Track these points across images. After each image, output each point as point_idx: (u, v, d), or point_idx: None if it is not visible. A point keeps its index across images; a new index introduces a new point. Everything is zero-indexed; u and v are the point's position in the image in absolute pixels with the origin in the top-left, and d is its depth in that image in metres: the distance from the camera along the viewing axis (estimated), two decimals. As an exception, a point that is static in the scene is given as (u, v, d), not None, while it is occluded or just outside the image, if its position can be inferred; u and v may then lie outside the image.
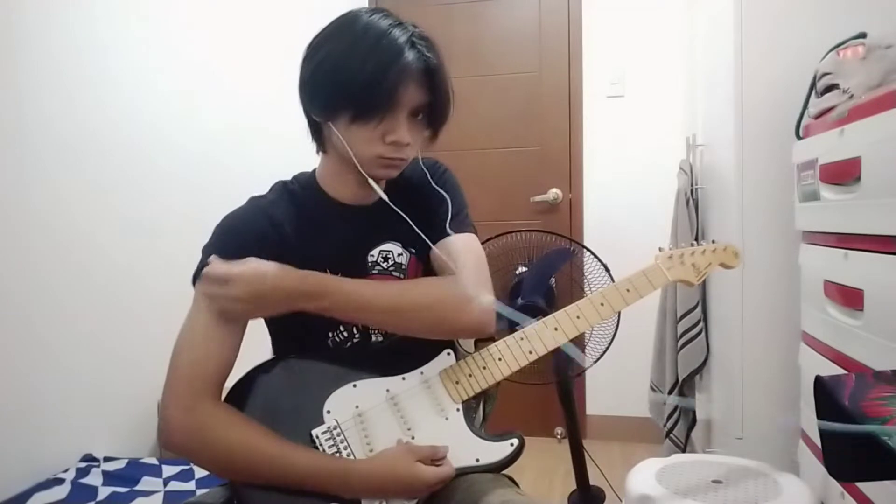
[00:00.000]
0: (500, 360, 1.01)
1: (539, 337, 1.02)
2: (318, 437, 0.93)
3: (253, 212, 1.01)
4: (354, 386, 0.97)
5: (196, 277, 0.96)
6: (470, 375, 1.00)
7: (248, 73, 2.33)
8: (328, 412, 0.95)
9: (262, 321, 1.02)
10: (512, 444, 0.98)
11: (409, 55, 0.91)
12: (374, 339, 1.02)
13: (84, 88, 1.63)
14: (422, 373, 0.99)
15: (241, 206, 1.03)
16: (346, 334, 1.01)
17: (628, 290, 1.08)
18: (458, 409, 0.98)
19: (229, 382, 0.96)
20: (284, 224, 1.00)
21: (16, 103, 1.45)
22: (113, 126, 1.72)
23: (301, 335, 1.00)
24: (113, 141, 1.72)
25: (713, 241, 1.19)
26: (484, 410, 1.13)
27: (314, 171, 1.08)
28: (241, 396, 0.95)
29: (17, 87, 1.46)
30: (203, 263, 0.95)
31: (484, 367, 1.00)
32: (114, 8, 1.73)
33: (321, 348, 1.01)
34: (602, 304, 1.06)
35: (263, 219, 1.00)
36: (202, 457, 0.92)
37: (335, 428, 0.94)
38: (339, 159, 0.99)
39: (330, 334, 1.01)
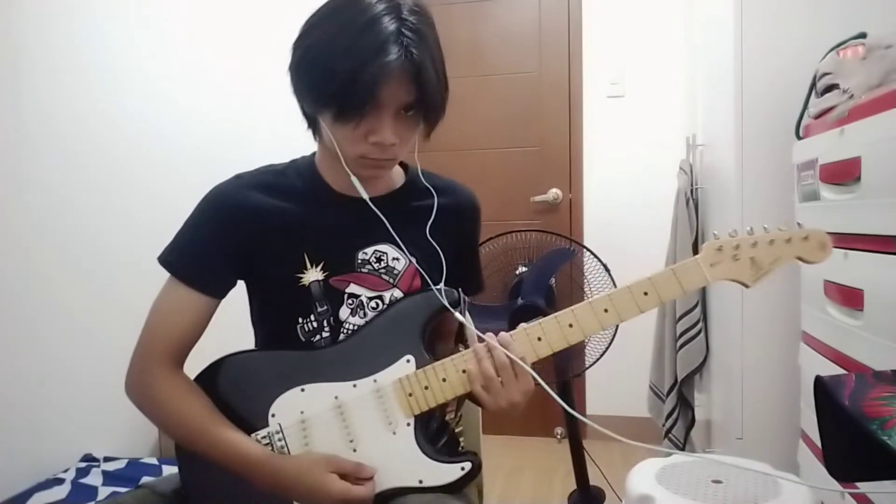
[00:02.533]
0: (462, 371, 0.91)
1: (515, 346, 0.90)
2: (257, 440, 0.91)
3: (239, 186, 0.99)
4: (303, 390, 0.92)
5: (172, 255, 0.97)
6: (426, 388, 0.91)
7: (249, 71, 2.33)
8: (273, 416, 0.92)
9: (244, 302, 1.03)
10: (462, 468, 0.90)
11: (392, 52, 0.84)
12: (343, 335, 0.98)
13: (84, 88, 1.63)
14: (375, 380, 0.92)
15: (226, 180, 1.00)
16: (315, 325, 0.97)
17: (646, 294, 0.89)
18: (408, 424, 0.91)
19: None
20: (272, 203, 0.98)
21: (16, 103, 1.45)
22: (113, 125, 1.72)
23: (274, 318, 1.01)
24: (113, 140, 1.72)
25: (799, 225, 0.90)
26: (456, 413, 1.09)
27: (313, 154, 1.06)
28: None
29: (17, 87, 1.46)
30: (181, 242, 0.97)
31: (444, 380, 0.91)
32: (114, 7, 1.73)
33: (289, 339, 0.98)
34: (606, 311, 0.90)
35: (250, 194, 0.98)
36: (148, 414, 0.96)
37: (277, 433, 0.91)
38: (331, 148, 0.97)
39: (300, 320, 0.97)
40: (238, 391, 0.94)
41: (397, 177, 1.08)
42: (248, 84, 2.33)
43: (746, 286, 0.91)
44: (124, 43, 1.77)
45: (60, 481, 1.43)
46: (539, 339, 0.91)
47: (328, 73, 0.86)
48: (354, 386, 0.93)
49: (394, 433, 0.91)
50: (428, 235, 1.01)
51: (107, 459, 1.58)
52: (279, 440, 0.91)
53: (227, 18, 2.25)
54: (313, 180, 1.02)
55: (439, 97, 0.92)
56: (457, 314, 0.95)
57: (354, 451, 0.91)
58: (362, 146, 0.91)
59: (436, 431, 1.01)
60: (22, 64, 1.47)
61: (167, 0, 1.95)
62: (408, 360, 0.93)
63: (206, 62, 2.12)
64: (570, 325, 0.91)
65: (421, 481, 0.90)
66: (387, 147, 0.91)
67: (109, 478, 1.51)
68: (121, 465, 1.57)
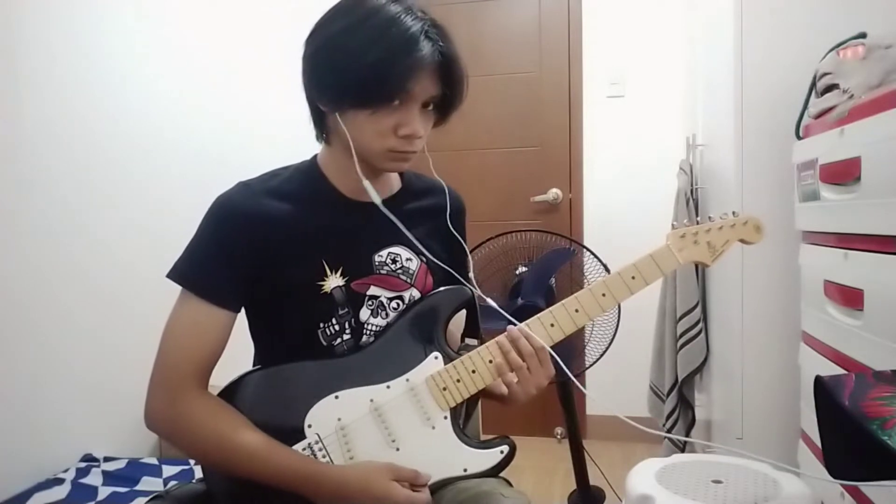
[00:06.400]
0: (490, 362, 0.95)
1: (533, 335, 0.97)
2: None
3: (248, 194, 0.95)
4: (336, 397, 0.93)
5: (186, 269, 0.93)
6: (458, 381, 0.95)
7: (249, 71, 2.33)
8: (309, 426, 0.91)
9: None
10: (502, 452, 0.95)
11: (424, 47, 0.88)
12: (365, 338, 0.98)
13: (84, 88, 1.63)
14: (407, 380, 0.94)
15: (231, 188, 0.97)
16: (337, 328, 0.96)
17: (633, 278, 0.98)
18: (445, 417, 0.94)
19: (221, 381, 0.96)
20: (283, 209, 0.95)
21: (16, 103, 1.45)
22: (113, 125, 1.72)
23: (291, 326, 0.97)
24: (113, 140, 1.72)
25: (733, 213, 1.05)
26: (466, 410, 1.10)
27: (314, 157, 1.04)
28: None
29: (17, 87, 1.46)
30: (194, 255, 0.93)
31: (473, 371, 0.95)
32: (114, 7, 1.73)
33: (310, 344, 0.96)
34: (604, 295, 0.98)
35: (261, 201, 0.95)
36: (182, 445, 0.93)
37: (317, 443, 0.91)
38: (344, 151, 0.95)
39: (321, 325, 0.96)
40: (268, 406, 0.92)
41: (395, 180, 1.08)
42: (248, 84, 2.33)
43: (707, 265, 1.04)
44: (124, 43, 1.77)
45: (60, 481, 1.43)
46: (552, 325, 0.97)
47: (355, 64, 0.87)
48: (388, 387, 0.94)
49: (433, 427, 0.94)
50: (451, 227, 1.07)
51: (107, 459, 1.58)
52: (320, 450, 0.91)
53: (228, 18, 2.25)
54: (320, 185, 1.00)
55: (463, 92, 0.97)
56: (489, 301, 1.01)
57: (397, 450, 0.92)
58: (391, 140, 0.92)
59: (463, 419, 1.03)
60: (22, 64, 1.47)
61: (167, 1, 1.95)
62: (435, 357, 0.96)
63: (207, 62, 2.12)
64: (577, 311, 0.98)
65: (465, 469, 0.94)
66: (415, 140, 0.93)
67: (109, 478, 1.51)
68: (121, 465, 1.57)
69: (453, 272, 1.04)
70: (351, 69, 0.87)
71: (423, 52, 0.87)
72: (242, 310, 0.98)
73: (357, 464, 0.91)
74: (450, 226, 1.08)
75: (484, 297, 1.03)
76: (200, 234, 0.95)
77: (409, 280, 1.02)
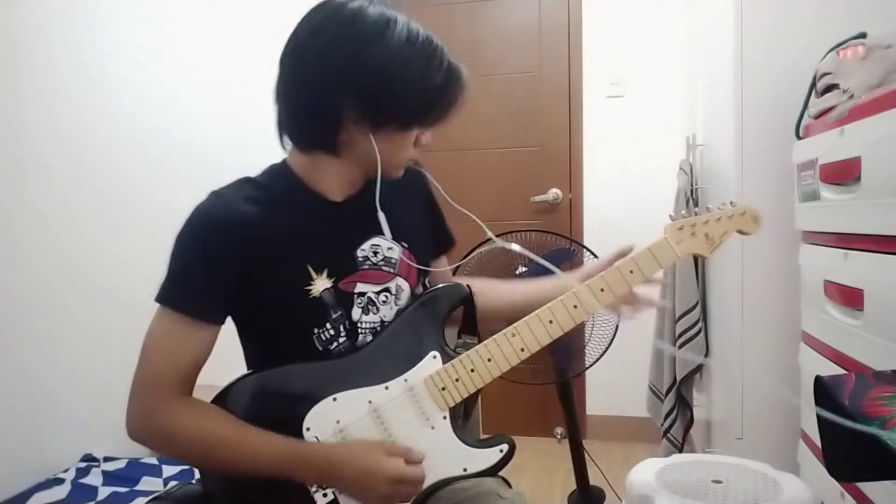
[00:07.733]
0: (489, 360, 0.95)
1: (531, 331, 0.96)
2: None
3: (224, 203, 0.93)
4: (335, 399, 0.92)
5: (172, 291, 0.90)
6: (457, 380, 0.95)
7: (250, 72, 2.33)
8: (308, 429, 0.91)
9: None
10: (501, 451, 0.95)
11: (460, 65, 0.97)
12: (360, 338, 0.97)
13: (84, 88, 1.63)
14: (406, 380, 0.94)
15: (205, 200, 0.94)
16: (332, 332, 0.96)
17: (632, 272, 0.99)
18: (444, 417, 0.94)
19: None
20: (261, 214, 0.94)
21: (16, 103, 1.45)
22: (114, 125, 1.72)
23: (284, 335, 0.96)
24: (113, 140, 1.72)
25: (731, 203, 1.03)
26: (466, 409, 1.09)
27: (283, 162, 1.02)
28: None
29: (17, 87, 1.46)
30: (178, 275, 0.91)
31: (472, 370, 0.95)
32: (114, 7, 1.73)
33: (306, 350, 0.95)
34: (602, 290, 0.99)
35: (238, 209, 0.93)
36: (165, 452, 0.94)
37: None
38: (348, 161, 0.96)
39: (316, 331, 0.95)
40: (264, 410, 0.92)
41: None
42: (250, 85, 2.33)
43: (705, 257, 1.05)
44: (125, 44, 1.77)
45: (60, 481, 1.43)
46: (550, 322, 0.97)
47: (419, 90, 0.92)
48: (386, 388, 0.94)
49: (432, 428, 0.94)
50: (455, 206, 1.08)
51: (107, 459, 1.59)
52: None
53: (230, 19, 2.25)
54: (298, 189, 0.99)
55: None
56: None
57: None
58: (411, 151, 0.98)
59: (462, 418, 1.02)
60: (22, 62, 1.47)
61: (168, 1, 1.95)
62: (434, 357, 0.96)
63: (209, 63, 2.12)
64: (575, 307, 0.98)
65: (465, 469, 0.94)
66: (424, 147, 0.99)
67: (109, 478, 1.51)
68: (121, 465, 1.57)
69: (443, 265, 1.08)
70: (414, 95, 0.92)
71: (463, 72, 0.97)
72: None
73: (347, 441, 0.91)
74: (422, 192, 1.12)
75: (508, 245, 1.07)
76: (180, 250, 0.92)
77: (392, 270, 1.01)
